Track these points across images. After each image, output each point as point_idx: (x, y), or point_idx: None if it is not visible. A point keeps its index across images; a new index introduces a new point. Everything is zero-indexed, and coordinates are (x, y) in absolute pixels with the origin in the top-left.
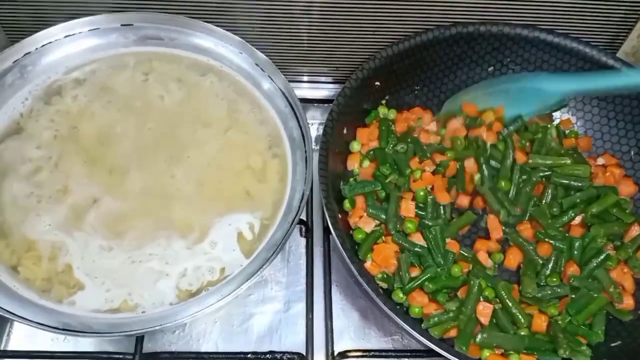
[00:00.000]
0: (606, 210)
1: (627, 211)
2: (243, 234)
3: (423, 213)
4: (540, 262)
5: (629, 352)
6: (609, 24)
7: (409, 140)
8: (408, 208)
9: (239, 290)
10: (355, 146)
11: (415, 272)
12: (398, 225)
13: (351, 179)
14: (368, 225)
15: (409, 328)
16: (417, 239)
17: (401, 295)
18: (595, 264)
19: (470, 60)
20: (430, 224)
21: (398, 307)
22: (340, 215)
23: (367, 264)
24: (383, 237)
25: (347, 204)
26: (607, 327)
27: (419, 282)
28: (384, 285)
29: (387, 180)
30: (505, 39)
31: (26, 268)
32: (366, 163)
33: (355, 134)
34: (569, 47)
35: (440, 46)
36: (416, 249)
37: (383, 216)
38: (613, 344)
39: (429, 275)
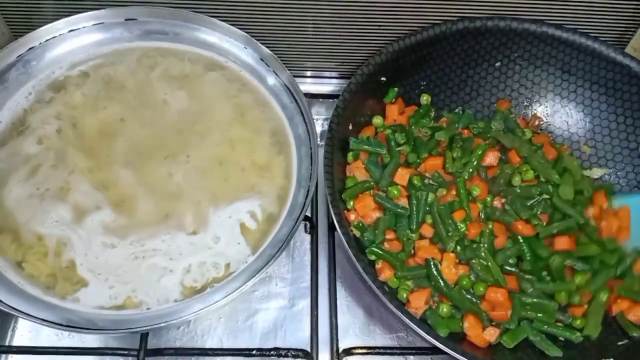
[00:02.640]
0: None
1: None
2: (246, 225)
3: (413, 190)
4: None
5: (636, 350)
6: (617, 19)
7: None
8: (403, 177)
9: (244, 288)
10: (376, 121)
11: (390, 235)
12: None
13: (364, 137)
14: (361, 176)
15: (414, 326)
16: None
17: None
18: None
19: (478, 55)
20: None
21: (403, 305)
22: (345, 212)
23: (348, 212)
24: (371, 191)
25: (350, 157)
26: (614, 324)
27: (386, 256)
28: (357, 233)
29: (397, 149)
30: (513, 34)
31: (31, 264)
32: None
33: (361, 130)
34: (577, 42)
35: (447, 41)
36: (398, 209)
37: (377, 174)
38: (620, 343)
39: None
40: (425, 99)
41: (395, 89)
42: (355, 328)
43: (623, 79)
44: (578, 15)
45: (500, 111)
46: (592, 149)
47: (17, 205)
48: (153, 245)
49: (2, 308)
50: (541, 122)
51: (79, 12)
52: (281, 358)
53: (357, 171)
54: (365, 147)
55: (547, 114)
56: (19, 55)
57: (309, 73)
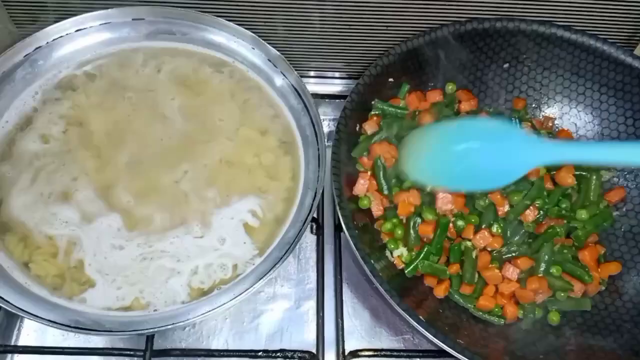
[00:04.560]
0: None
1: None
2: (249, 224)
3: None
4: None
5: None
6: (626, 21)
7: None
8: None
9: (251, 290)
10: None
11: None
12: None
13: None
14: (372, 129)
15: (421, 328)
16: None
17: (365, 202)
18: None
19: (486, 56)
20: None
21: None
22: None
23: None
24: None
25: (370, 113)
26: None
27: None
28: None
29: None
30: (522, 35)
31: (37, 265)
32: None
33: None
34: (586, 44)
35: (455, 42)
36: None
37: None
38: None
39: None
40: (450, 87)
41: (408, 85)
42: (361, 330)
43: (632, 81)
44: (587, 16)
45: (517, 110)
46: None
47: (24, 210)
48: (161, 246)
49: (10, 309)
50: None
51: (86, 12)
52: None
53: (369, 126)
54: (390, 109)
55: (555, 115)
56: (26, 55)
57: (315, 73)
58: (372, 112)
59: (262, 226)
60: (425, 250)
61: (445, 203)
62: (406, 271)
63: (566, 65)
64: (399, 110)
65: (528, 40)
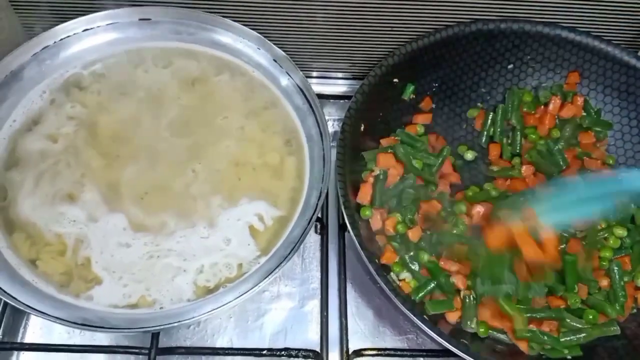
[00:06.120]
0: None
1: None
2: (254, 227)
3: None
4: None
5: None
6: (631, 22)
7: None
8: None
9: (256, 289)
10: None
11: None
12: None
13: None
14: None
15: (425, 327)
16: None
17: (367, 212)
18: None
19: (490, 57)
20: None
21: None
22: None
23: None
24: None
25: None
26: None
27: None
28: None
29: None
30: (526, 36)
31: (44, 262)
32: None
33: (370, 130)
34: (590, 45)
35: (460, 43)
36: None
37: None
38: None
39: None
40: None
41: (412, 86)
42: (365, 329)
43: (637, 83)
44: (591, 18)
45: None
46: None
47: (33, 210)
48: (168, 245)
49: (17, 306)
50: None
51: (93, 12)
52: (291, 358)
53: (386, 141)
54: (409, 139)
55: None
56: (34, 54)
57: (319, 74)
58: (393, 135)
59: (266, 230)
60: (430, 286)
61: (450, 265)
62: (414, 298)
63: (570, 66)
64: (417, 143)
65: (532, 41)
